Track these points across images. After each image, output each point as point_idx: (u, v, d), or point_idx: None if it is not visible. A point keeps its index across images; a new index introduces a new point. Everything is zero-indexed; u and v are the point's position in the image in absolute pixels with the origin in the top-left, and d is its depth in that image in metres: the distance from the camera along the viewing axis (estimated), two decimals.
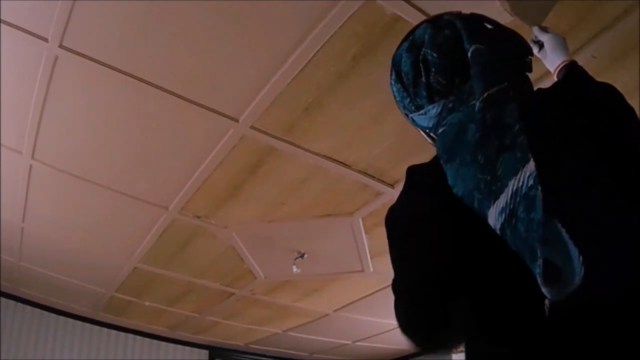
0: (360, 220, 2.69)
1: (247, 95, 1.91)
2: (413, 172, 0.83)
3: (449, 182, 0.73)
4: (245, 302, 3.86)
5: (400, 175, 2.33)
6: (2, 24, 1.66)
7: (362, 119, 1.99)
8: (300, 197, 2.51)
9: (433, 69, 0.79)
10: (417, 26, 0.88)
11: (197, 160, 2.28)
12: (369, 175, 2.33)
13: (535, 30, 1.17)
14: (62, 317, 4.32)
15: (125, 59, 1.78)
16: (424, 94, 0.81)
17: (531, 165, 0.58)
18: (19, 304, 4.10)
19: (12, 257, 3.41)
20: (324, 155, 2.21)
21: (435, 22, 0.85)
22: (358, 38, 1.64)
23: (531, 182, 0.57)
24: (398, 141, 2.12)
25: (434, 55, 0.79)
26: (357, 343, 4.87)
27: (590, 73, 1.73)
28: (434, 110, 0.80)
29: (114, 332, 4.56)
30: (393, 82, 0.88)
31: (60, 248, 3.21)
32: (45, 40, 1.71)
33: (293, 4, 1.54)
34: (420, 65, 0.80)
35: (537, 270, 0.56)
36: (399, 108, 0.90)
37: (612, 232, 0.56)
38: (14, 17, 1.64)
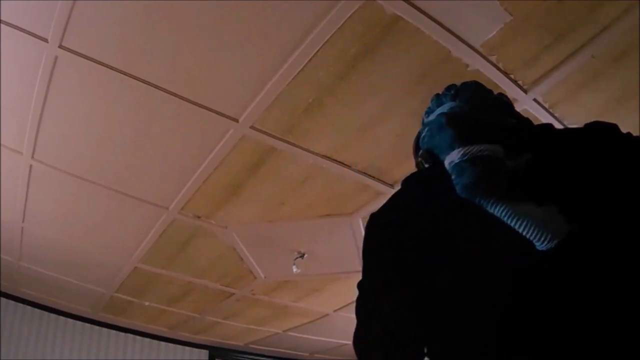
0: (360, 220, 2.69)
1: (247, 95, 1.91)
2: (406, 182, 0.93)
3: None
4: (245, 302, 3.86)
5: (400, 175, 2.33)
6: (2, 24, 1.66)
7: (362, 119, 2.00)
8: (300, 197, 2.51)
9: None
10: None
11: (197, 160, 2.28)
12: (369, 175, 2.33)
13: None
14: (62, 317, 4.31)
15: (125, 60, 1.79)
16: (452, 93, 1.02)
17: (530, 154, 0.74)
18: (19, 304, 4.10)
19: (12, 257, 3.41)
20: (324, 155, 2.21)
21: None
22: (358, 38, 1.64)
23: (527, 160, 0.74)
24: (398, 141, 2.12)
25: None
26: None
27: (590, 73, 1.75)
28: (448, 106, 0.98)
29: (114, 332, 4.56)
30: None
31: (60, 248, 3.21)
32: (45, 40, 1.71)
33: (293, 4, 1.54)
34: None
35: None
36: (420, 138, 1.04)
37: None
38: (14, 17, 1.64)
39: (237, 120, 2.03)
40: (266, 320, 4.28)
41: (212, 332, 4.64)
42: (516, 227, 0.66)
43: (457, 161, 0.75)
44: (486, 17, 1.57)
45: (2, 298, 3.99)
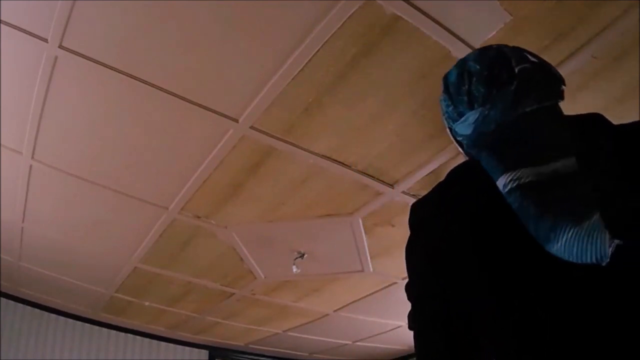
0: (360, 220, 2.69)
1: (247, 95, 1.91)
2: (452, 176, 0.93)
3: (467, 132, 0.85)
4: (245, 302, 3.86)
5: (400, 175, 2.34)
6: (2, 24, 1.66)
7: (362, 119, 2.00)
8: (300, 197, 2.51)
9: (474, 78, 0.90)
10: (470, 53, 1.01)
11: (197, 161, 2.28)
12: (369, 175, 2.33)
13: None
14: (62, 317, 4.31)
15: (125, 60, 1.79)
16: (465, 99, 0.91)
17: (573, 160, 0.72)
18: (19, 304, 4.10)
19: (12, 257, 3.41)
20: (324, 155, 2.21)
21: (485, 48, 0.97)
22: (358, 38, 1.64)
23: (574, 169, 0.71)
24: (398, 141, 2.12)
25: (477, 67, 0.91)
26: (357, 343, 4.88)
27: (590, 73, 1.75)
28: (472, 117, 0.89)
29: (114, 332, 4.56)
30: (442, 95, 0.99)
31: (60, 248, 3.21)
32: (45, 40, 1.71)
33: (293, 4, 1.54)
34: (465, 75, 0.92)
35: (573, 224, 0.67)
36: (444, 120, 1.00)
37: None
38: (14, 17, 1.64)
39: (237, 120, 2.03)
40: (266, 320, 4.28)
41: (212, 332, 4.64)
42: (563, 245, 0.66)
43: (504, 192, 0.75)
44: (486, 17, 1.57)
45: (2, 298, 3.99)
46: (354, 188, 2.43)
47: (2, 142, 2.30)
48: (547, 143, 0.78)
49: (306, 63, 1.74)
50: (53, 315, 4.27)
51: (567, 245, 0.66)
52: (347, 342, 4.85)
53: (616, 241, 0.62)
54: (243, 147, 2.17)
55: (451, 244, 0.82)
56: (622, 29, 1.57)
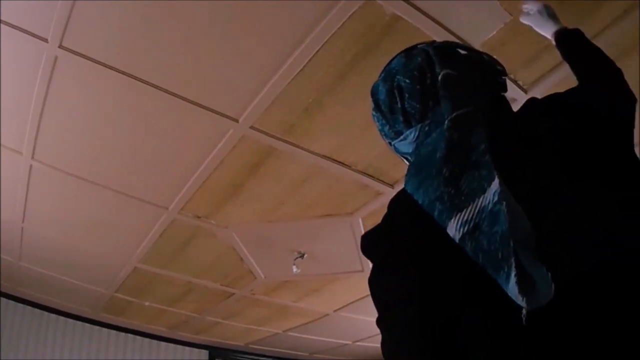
0: (360, 220, 2.69)
1: (247, 95, 1.91)
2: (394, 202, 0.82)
3: (409, 191, 0.73)
4: (245, 302, 3.87)
5: (400, 175, 2.34)
6: (2, 24, 1.66)
7: (362, 119, 2.00)
8: (300, 197, 2.51)
9: (406, 95, 0.81)
10: (394, 58, 0.90)
11: (197, 160, 2.28)
12: (369, 175, 2.33)
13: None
14: (62, 317, 4.32)
15: (125, 59, 1.79)
16: (401, 119, 0.82)
17: (496, 183, 0.61)
18: (19, 304, 4.10)
19: (12, 257, 3.41)
20: (324, 155, 2.21)
21: (409, 52, 0.88)
22: (358, 38, 1.64)
23: (496, 198, 0.60)
24: None
25: (406, 81, 0.82)
26: (357, 343, 4.88)
27: None
28: (411, 135, 0.81)
29: (114, 332, 4.56)
30: (374, 112, 0.91)
31: (60, 248, 3.21)
32: (45, 40, 1.71)
33: (293, 4, 1.54)
34: (395, 92, 0.83)
35: (504, 280, 0.57)
36: (382, 137, 0.92)
37: (574, 240, 0.57)
38: (14, 17, 1.64)
39: (237, 120, 2.03)
40: (266, 320, 4.28)
41: (212, 332, 4.64)
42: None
43: (457, 241, 0.63)
44: (486, 17, 1.57)
45: (2, 298, 3.99)
46: (354, 188, 2.43)
47: (2, 142, 2.30)
48: (467, 174, 0.64)
49: (306, 63, 1.74)
50: (53, 315, 4.27)
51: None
52: (347, 342, 4.85)
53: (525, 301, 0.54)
54: (243, 147, 2.17)
55: (424, 268, 0.72)
56: (622, 29, 1.57)
